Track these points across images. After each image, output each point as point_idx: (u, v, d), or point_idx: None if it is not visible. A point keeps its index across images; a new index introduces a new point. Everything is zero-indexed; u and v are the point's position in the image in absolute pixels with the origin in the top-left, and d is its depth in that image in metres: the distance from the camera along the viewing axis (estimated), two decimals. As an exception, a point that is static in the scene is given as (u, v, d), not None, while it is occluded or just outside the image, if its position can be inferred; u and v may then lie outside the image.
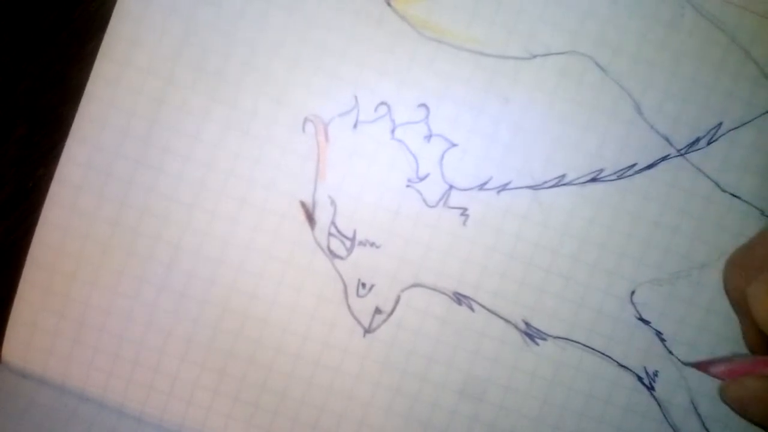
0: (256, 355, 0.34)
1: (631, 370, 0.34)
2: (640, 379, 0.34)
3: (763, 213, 0.34)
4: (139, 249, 0.34)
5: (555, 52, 0.33)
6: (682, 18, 0.33)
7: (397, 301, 0.34)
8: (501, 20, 0.33)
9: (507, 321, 0.34)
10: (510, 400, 0.34)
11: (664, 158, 0.34)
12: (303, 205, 0.34)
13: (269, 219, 0.34)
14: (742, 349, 0.32)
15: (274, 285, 0.34)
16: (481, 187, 0.34)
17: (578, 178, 0.34)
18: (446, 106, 0.33)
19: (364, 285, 0.34)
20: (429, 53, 0.33)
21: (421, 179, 0.34)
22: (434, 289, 0.34)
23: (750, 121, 0.33)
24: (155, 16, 0.33)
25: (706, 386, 0.34)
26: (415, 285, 0.34)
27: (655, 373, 0.34)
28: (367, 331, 0.34)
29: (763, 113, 0.33)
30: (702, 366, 0.30)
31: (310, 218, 0.34)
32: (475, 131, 0.33)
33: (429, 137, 0.33)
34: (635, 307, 0.34)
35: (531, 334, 0.34)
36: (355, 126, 0.33)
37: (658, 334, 0.34)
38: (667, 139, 0.34)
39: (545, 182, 0.34)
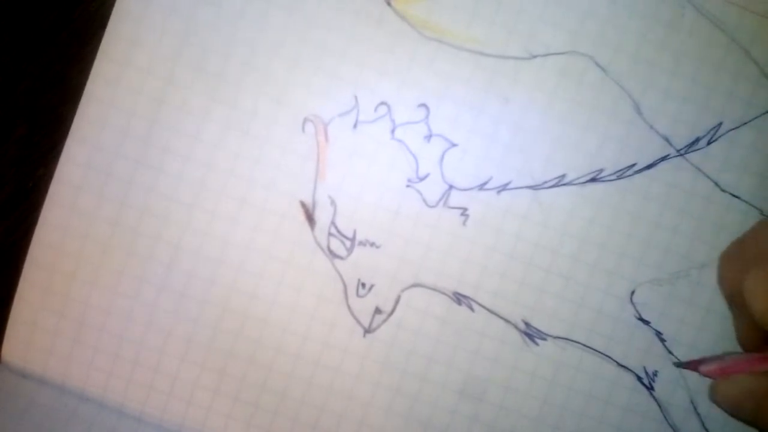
0: (256, 355, 0.34)
1: (630, 370, 0.34)
2: (639, 379, 0.34)
3: (762, 213, 0.34)
4: (139, 249, 0.34)
5: (555, 52, 0.33)
6: (682, 18, 0.33)
7: (397, 301, 0.34)
8: (501, 20, 0.33)
9: (507, 321, 0.34)
10: (510, 400, 0.34)
11: (663, 158, 0.34)
12: (303, 205, 0.34)
13: (269, 219, 0.34)
14: (736, 337, 0.32)
15: (274, 285, 0.34)
16: (481, 187, 0.34)
17: (578, 178, 0.34)
18: (446, 106, 0.33)
19: (364, 285, 0.34)
20: (429, 53, 0.33)
21: (421, 179, 0.34)
22: (434, 289, 0.34)
23: (750, 121, 0.33)
24: (155, 16, 0.33)
25: (706, 386, 0.34)
26: (415, 285, 0.34)
27: (655, 373, 0.34)
28: (367, 331, 0.34)
29: (763, 113, 0.33)
30: (692, 365, 0.30)
31: (310, 218, 0.34)
32: (475, 131, 0.33)
33: (429, 137, 0.33)
34: (635, 307, 0.34)
35: (531, 334, 0.34)
36: (355, 126, 0.33)
37: (658, 334, 0.34)
38: (666, 139, 0.34)
39: (545, 182, 0.34)
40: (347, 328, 0.34)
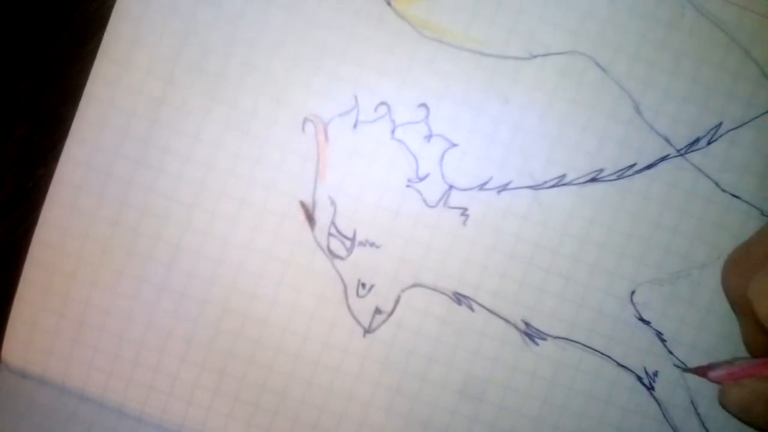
0: (256, 355, 0.34)
1: (631, 370, 0.34)
2: (639, 379, 0.34)
3: (763, 213, 0.34)
4: (139, 249, 0.34)
5: (555, 52, 0.33)
6: (682, 18, 0.33)
7: (397, 301, 0.34)
8: (501, 20, 0.33)
9: (507, 321, 0.34)
10: (510, 400, 0.34)
11: (663, 158, 0.34)
12: (303, 205, 0.34)
13: (269, 219, 0.34)
14: (743, 350, 0.32)
15: (274, 285, 0.34)
16: (481, 187, 0.34)
17: (578, 178, 0.34)
18: (446, 106, 0.33)
19: (364, 285, 0.34)
20: (429, 53, 0.33)
21: (421, 179, 0.34)
22: (434, 289, 0.34)
23: (750, 121, 0.33)
24: (155, 16, 0.33)
25: (706, 386, 0.34)
26: (415, 285, 0.34)
27: (655, 373, 0.34)
28: (367, 331, 0.34)
29: (763, 113, 0.33)
30: (700, 371, 0.30)
31: (310, 218, 0.34)
32: (475, 131, 0.33)
33: (429, 137, 0.33)
34: (635, 307, 0.34)
35: (531, 334, 0.34)
36: (355, 126, 0.33)
37: (658, 334, 0.34)
38: (666, 139, 0.34)
39: (545, 182, 0.34)
40: (347, 328, 0.34)
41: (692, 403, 0.34)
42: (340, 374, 0.34)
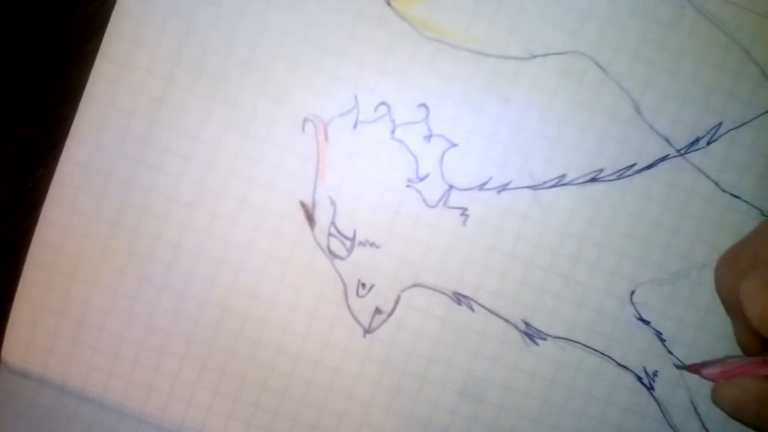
0: (256, 355, 0.34)
1: (630, 370, 0.34)
2: (639, 379, 0.34)
3: (762, 213, 0.34)
4: (139, 249, 0.34)
5: (555, 52, 0.33)
6: (682, 18, 0.33)
7: (397, 301, 0.34)
8: (501, 20, 0.33)
9: (507, 321, 0.34)
10: (510, 400, 0.34)
11: (663, 158, 0.34)
12: (303, 205, 0.34)
13: (269, 219, 0.34)
14: (736, 341, 0.32)
15: (274, 285, 0.34)
16: (481, 187, 0.34)
17: (578, 178, 0.34)
18: (446, 106, 0.33)
19: (364, 285, 0.34)
20: (429, 53, 0.33)
21: (421, 179, 0.34)
22: (434, 289, 0.34)
23: (750, 121, 0.33)
24: (155, 16, 0.33)
25: (706, 386, 0.33)
26: (415, 285, 0.34)
27: (655, 373, 0.34)
28: (367, 331, 0.34)
29: (763, 113, 0.33)
30: (694, 368, 0.30)
31: (310, 218, 0.34)
32: (475, 131, 0.33)
33: (429, 137, 0.33)
34: (635, 307, 0.34)
35: (531, 334, 0.34)
36: (355, 126, 0.33)
37: (658, 334, 0.34)
38: (666, 139, 0.34)
39: (545, 182, 0.34)
40: (347, 328, 0.34)
41: (692, 403, 0.34)
42: (340, 374, 0.34)
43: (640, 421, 0.34)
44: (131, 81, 0.33)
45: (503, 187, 0.34)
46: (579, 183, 0.34)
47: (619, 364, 0.34)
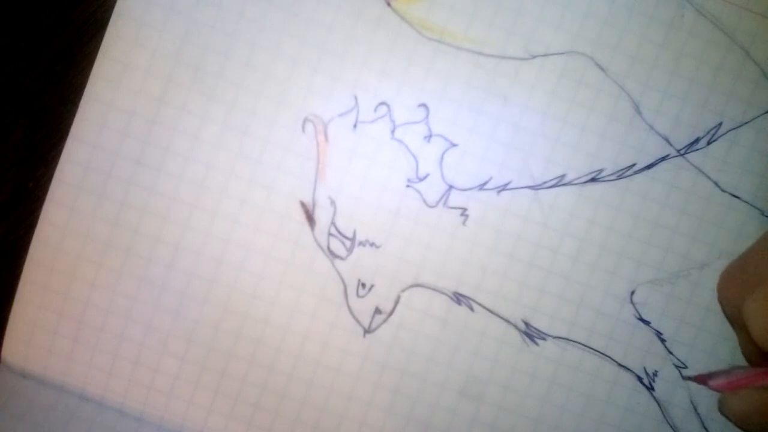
0: (257, 355, 0.34)
1: (630, 370, 0.34)
2: (639, 379, 0.34)
3: (762, 213, 0.34)
4: (139, 249, 0.34)
5: (555, 52, 0.33)
6: (682, 18, 0.33)
7: (397, 302, 0.34)
8: (500, 21, 0.33)
9: (507, 321, 0.34)
10: (510, 400, 0.34)
11: (663, 158, 0.34)
12: (303, 205, 0.34)
13: (269, 219, 0.34)
14: (742, 352, 0.32)
15: (274, 285, 0.34)
16: (481, 187, 0.34)
17: (578, 178, 0.34)
18: (446, 106, 0.33)
19: (364, 285, 0.34)
20: (429, 53, 0.33)
21: (421, 179, 0.34)
22: (434, 289, 0.34)
23: (750, 121, 0.33)
24: (155, 16, 0.33)
25: (706, 387, 0.34)
26: (415, 285, 0.34)
27: (655, 373, 0.34)
28: (367, 331, 0.34)
29: (763, 113, 0.33)
30: (701, 379, 0.30)
31: (310, 218, 0.34)
32: (475, 131, 0.33)
33: (429, 137, 0.33)
34: (635, 307, 0.34)
35: (531, 334, 0.34)
36: (355, 126, 0.33)
37: (658, 334, 0.34)
38: (666, 139, 0.34)
39: (545, 182, 0.34)
40: (347, 328, 0.34)
41: (692, 403, 0.34)
42: (341, 374, 0.34)
43: (640, 422, 0.34)
44: (131, 81, 0.33)
45: (503, 187, 0.34)
46: (579, 183, 0.34)
47: (619, 364, 0.34)
